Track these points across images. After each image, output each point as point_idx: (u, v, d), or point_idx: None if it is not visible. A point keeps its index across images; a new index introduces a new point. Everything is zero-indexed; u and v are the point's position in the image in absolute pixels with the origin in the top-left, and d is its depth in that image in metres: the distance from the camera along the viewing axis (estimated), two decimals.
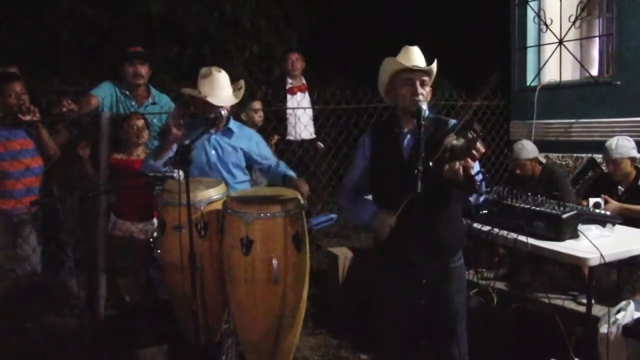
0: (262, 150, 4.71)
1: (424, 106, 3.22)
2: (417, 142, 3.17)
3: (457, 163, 2.95)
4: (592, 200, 4.83)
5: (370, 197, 3.65)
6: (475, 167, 3.08)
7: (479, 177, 3.12)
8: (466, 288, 3.67)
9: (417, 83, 3.33)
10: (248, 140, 4.66)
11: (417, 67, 3.32)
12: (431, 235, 3.28)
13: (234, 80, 4.54)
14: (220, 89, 4.38)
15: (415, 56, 3.39)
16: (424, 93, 3.35)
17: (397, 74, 3.37)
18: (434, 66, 3.39)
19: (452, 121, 3.41)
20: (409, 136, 3.41)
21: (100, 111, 5.18)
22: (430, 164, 2.98)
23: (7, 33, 8.94)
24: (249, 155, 4.63)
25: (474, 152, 2.90)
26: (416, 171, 2.89)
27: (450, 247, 3.44)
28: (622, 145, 5.20)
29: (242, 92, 4.51)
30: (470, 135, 2.88)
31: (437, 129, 3.36)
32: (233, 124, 4.63)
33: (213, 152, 4.49)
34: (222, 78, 4.41)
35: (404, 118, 3.41)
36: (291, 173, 4.69)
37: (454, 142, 2.94)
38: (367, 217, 3.50)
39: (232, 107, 4.46)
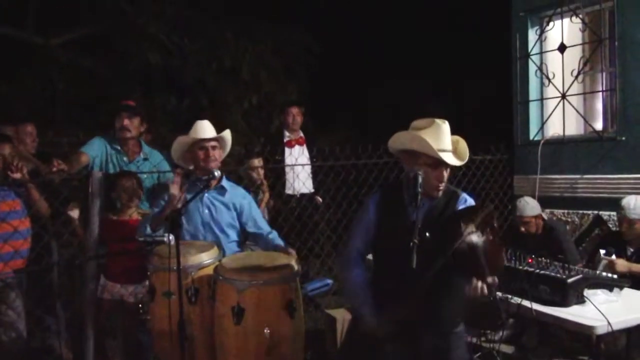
0: (254, 213, 4.65)
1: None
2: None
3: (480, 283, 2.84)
4: (602, 251, 4.76)
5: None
6: None
7: None
8: (466, 351, 3.53)
9: (444, 168, 3.14)
10: (242, 198, 4.66)
11: (447, 162, 3.11)
12: (432, 308, 3.12)
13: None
14: (204, 131, 4.49)
15: (444, 138, 3.14)
16: (446, 177, 3.19)
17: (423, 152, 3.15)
18: (466, 158, 3.21)
19: (464, 196, 3.28)
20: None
21: (90, 170, 5.05)
22: (427, 231, 2.88)
23: (2, 83, 8.92)
24: (241, 214, 4.56)
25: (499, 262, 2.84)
26: (411, 244, 2.76)
27: (451, 319, 3.31)
28: None
29: (227, 132, 4.62)
30: (490, 236, 2.78)
31: (448, 201, 3.24)
32: (226, 182, 4.64)
33: (206, 211, 4.47)
34: (206, 124, 4.54)
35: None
36: (282, 243, 4.58)
37: (474, 238, 2.81)
38: (362, 308, 3.34)
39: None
